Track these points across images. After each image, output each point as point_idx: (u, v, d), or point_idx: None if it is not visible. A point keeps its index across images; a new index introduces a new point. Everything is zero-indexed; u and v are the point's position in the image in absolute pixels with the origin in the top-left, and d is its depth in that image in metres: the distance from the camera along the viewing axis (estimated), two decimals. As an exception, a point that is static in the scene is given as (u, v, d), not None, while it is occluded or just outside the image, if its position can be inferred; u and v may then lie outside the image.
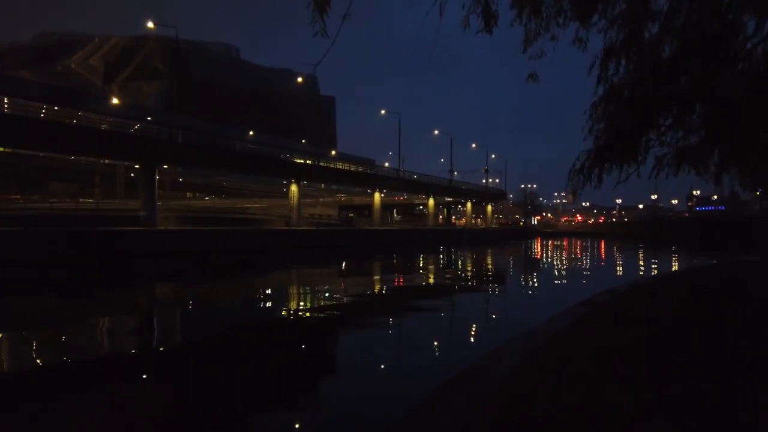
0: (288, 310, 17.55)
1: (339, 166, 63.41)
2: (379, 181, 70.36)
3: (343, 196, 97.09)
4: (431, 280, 26.62)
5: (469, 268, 34.14)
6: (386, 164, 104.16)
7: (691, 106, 9.15)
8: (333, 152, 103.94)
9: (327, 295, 21.55)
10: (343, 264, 37.91)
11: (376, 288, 23.67)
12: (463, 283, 25.35)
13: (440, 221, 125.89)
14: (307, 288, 24.42)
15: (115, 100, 71.06)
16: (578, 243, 77.22)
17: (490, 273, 31.12)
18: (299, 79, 78.59)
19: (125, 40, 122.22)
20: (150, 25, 42.18)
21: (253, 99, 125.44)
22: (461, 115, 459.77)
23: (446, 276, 28.69)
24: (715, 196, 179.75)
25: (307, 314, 16.39)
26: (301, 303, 19.45)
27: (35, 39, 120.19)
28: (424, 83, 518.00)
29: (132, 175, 64.67)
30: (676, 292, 12.05)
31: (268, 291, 22.90)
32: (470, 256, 47.19)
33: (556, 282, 25.16)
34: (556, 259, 41.99)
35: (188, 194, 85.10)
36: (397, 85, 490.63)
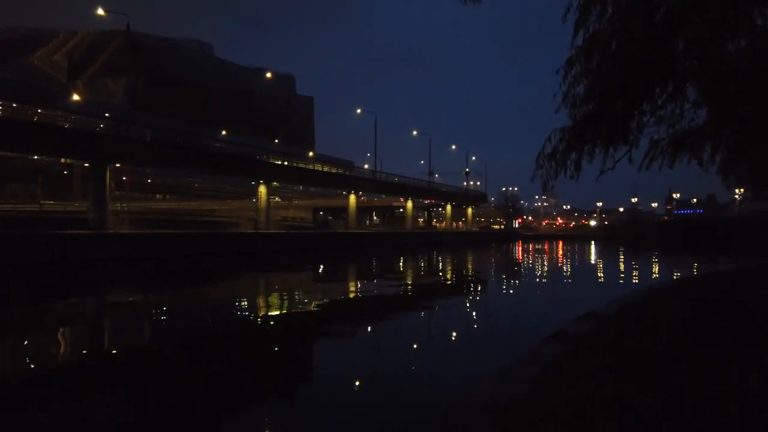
0: (237, 322, 15.38)
1: (311, 166, 60.66)
2: (354, 182, 67.76)
3: (319, 199, 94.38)
4: (392, 290, 24.15)
5: (438, 276, 31.74)
6: (366, 166, 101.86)
7: (697, 68, 6.82)
8: (311, 153, 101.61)
9: (279, 305, 18.98)
10: (309, 269, 35.31)
11: (334, 297, 21.14)
12: (416, 296, 22.96)
13: (421, 224, 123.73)
14: (261, 297, 21.80)
15: (76, 97, 67.96)
16: (559, 247, 75.29)
17: (456, 283, 28.78)
18: (268, 75, 74.90)
19: (92, 35, 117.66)
20: (100, 12, 39.12)
21: (226, 98, 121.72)
22: (446, 118, 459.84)
23: (409, 284, 26.27)
24: (695, 200, 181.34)
25: (255, 327, 14.51)
26: (251, 314, 16.95)
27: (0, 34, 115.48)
28: (409, 86, 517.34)
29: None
30: (672, 312, 9.75)
31: (219, 301, 20.25)
32: (444, 261, 44.88)
33: (528, 300, 20.37)
34: (535, 267, 39.70)
35: (158, 196, 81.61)
36: (382, 89, 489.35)
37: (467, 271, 34.74)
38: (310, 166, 60.15)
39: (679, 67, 7.19)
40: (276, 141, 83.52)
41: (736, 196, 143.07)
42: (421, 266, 39.72)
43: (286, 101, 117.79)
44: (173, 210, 59.56)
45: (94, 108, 79.16)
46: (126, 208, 47.91)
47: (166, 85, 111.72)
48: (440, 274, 33.00)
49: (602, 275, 32.39)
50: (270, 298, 21.65)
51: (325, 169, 63.92)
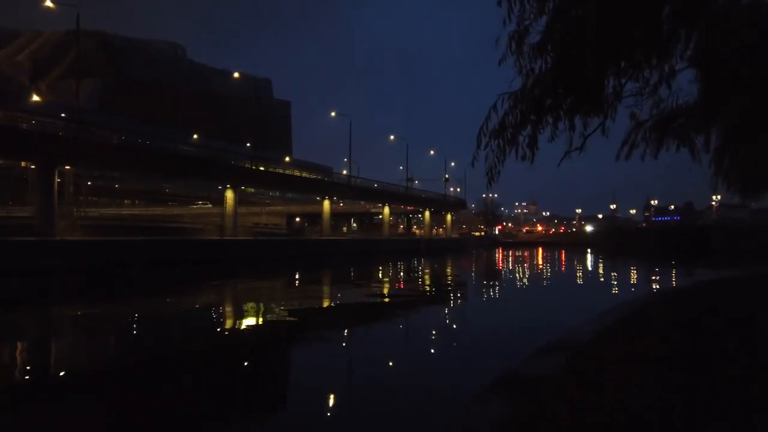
0: (170, 342, 13.72)
1: (280, 170, 58.30)
2: (327, 187, 65.59)
3: (294, 205, 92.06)
4: (354, 299, 22.06)
5: (411, 284, 29.76)
6: (344, 172, 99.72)
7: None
8: (287, 158, 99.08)
9: (222, 321, 16.84)
10: (270, 278, 33.09)
11: (287, 309, 18.97)
12: (382, 305, 20.97)
13: (401, 231, 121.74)
14: (205, 312, 19.55)
15: (36, 98, 64.85)
16: (538, 254, 73.81)
17: (428, 292, 26.82)
18: (236, 75, 72.17)
19: (57, 35, 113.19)
20: (49, 4, 36.50)
21: (199, 101, 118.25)
22: (429, 125, 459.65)
23: (377, 293, 24.22)
24: (672, 206, 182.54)
25: (188, 350, 12.80)
26: (180, 334, 14.75)
27: None
28: (392, 93, 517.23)
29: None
30: (659, 336, 7.90)
31: (150, 317, 17.98)
32: (419, 270, 43.00)
33: (494, 319, 17.34)
34: (512, 276, 37.89)
35: (126, 201, 78.53)
36: (365, 95, 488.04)
37: (440, 282, 32.70)
38: (280, 170, 57.73)
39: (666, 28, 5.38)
40: (248, 144, 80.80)
41: (713, 203, 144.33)
42: (392, 275, 37.74)
43: (258, 104, 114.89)
44: (136, 215, 56.74)
45: (56, 110, 76.03)
46: (82, 213, 45.14)
47: (135, 87, 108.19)
48: (411, 284, 30.98)
49: (581, 284, 30.78)
50: (214, 312, 19.47)
51: (296, 173, 61.66)
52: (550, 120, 4.96)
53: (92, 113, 79.69)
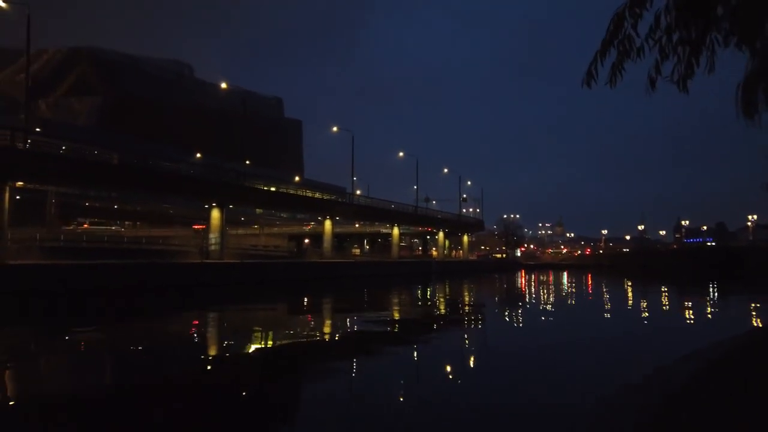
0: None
1: (273, 188, 53.94)
2: (327, 206, 61.07)
3: (296, 226, 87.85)
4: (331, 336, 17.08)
5: (411, 317, 24.57)
6: (358, 192, 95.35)
7: None
8: (297, 178, 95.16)
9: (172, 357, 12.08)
10: (246, 308, 28.41)
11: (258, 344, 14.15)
12: (358, 347, 15.90)
13: (417, 253, 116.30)
14: (147, 351, 14.72)
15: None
16: (564, 278, 67.23)
17: (429, 328, 21.65)
18: (223, 85, 68.30)
19: (60, 54, 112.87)
20: (1, 3, 33.20)
21: (204, 119, 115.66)
22: (447, 146, 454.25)
23: (358, 328, 19.21)
24: (704, 227, 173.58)
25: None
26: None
27: None
28: (408, 113, 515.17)
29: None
30: None
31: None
32: (426, 296, 37.96)
33: (511, 382, 11.28)
34: (536, 307, 31.63)
35: (95, 220, 75.20)
36: (382, 116, 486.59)
37: (446, 313, 27.27)
38: (272, 188, 53.36)
39: None
40: (247, 162, 77.10)
41: (749, 223, 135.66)
42: (393, 302, 32.70)
43: (275, 124, 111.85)
44: (115, 236, 52.80)
45: (56, 128, 73.78)
46: (51, 235, 41.32)
47: (134, 104, 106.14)
48: (413, 315, 25.88)
49: (623, 322, 24.23)
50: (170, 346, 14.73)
51: (290, 191, 57.27)
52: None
53: (89, 130, 77.68)
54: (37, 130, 44.87)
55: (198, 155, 79.41)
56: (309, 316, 26.69)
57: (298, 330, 20.56)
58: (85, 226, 71.66)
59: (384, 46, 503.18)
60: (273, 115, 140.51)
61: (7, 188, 32.85)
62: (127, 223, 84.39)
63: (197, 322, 22.95)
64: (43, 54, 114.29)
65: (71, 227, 57.89)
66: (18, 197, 67.96)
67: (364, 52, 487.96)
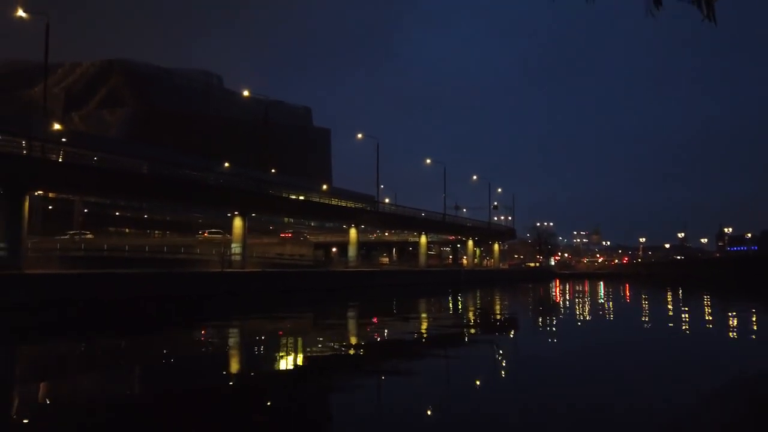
0: None
1: (297, 197, 53.20)
2: (352, 215, 60.07)
3: (322, 234, 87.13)
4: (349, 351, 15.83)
5: (431, 331, 23.13)
6: (387, 200, 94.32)
7: None
8: (325, 186, 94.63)
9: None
10: (256, 321, 27.46)
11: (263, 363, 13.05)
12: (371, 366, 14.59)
13: (447, 262, 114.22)
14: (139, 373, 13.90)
15: (57, 126, 63.33)
16: (601, 289, 64.12)
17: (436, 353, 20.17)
18: (250, 95, 67.88)
19: (93, 67, 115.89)
20: (21, 13, 33.33)
21: (233, 129, 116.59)
22: (478, 155, 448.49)
23: (367, 345, 17.87)
24: (749, 235, 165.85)
25: None
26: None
27: (5, 66, 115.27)
28: (439, 122, 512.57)
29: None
30: None
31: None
32: (449, 307, 36.38)
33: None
34: (572, 320, 29.65)
35: (126, 230, 75.90)
36: (414, 124, 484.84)
37: (467, 330, 25.51)
38: (291, 196, 52.55)
39: None
40: (273, 171, 76.84)
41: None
42: (415, 313, 31.30)
43: (304, 133, 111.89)
44: (135, 245, 52.85)
45: (86, 140, 75.12)
46: (73, 244, 41.41)
47: (164, 115, 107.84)
48: (432, 328, 24.45)
49: (670, 342, 21.52)
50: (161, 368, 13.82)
51: (313, 199, 56.44)
52: None
53: (122, 143, 78.94)
54: (63, 140, 45.19)
55: (226, 165, 79.72)
56: (319, 328, 25.49)
57: (306, 345, 19.37)
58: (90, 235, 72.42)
59: (415, 54, 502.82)
60: (301, 124, 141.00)
61: (27, 198, 32.82)
62: (156, 232, 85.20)
63: (199, 335, 22.05)
64: (77, 68, 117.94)
65: (89, 236, 57.88)
66: (51, 207, 69.86)
67: (395, 61, 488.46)
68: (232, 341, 20.71)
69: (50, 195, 57.22)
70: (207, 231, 67.29)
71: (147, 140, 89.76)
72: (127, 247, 50.34)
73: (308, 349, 17.98)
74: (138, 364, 15.30)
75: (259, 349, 18.53)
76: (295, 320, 28.39)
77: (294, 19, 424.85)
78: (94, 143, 60.26)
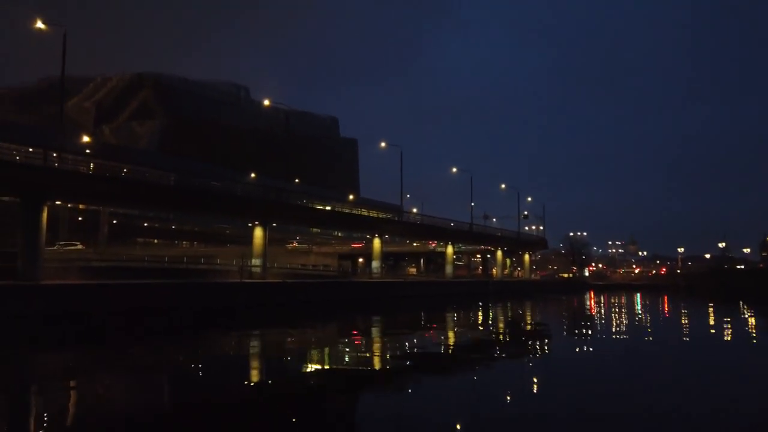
0: None
1: (319, 207, 52.37)
2: (376, 224, 58.98)
3: (347, 244, 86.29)
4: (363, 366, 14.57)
5: (453, 347, 21.69)
6: (414, 210, 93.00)
7: None
8: (351, 196, 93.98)
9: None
10: (267, 333, 26.50)
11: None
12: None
13: (477, 272, 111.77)
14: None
15: (86, 138, 64.37)
16: (638, 301, 60.96)
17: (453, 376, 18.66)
18: (272, 104, 66.39)
19: (124, 80, 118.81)
20: (40, 25, 33.51)
21: (260, 139, 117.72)
22: (508, 162, 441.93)
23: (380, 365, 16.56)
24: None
25: None
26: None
27: (40, 82, 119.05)
28: (469, 132, 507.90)
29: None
30: None
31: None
32: (473, 319, 34.76)
33: None
34: (612, 339, 26.62)
35: (155, 241, 76.48)
36: (443, 135, 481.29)
37: (489, 349, 23.32)
38: (309, 204, 51.76)
39: None
40: (296, 181, 76.53)
41: None
42: (435, 327, 29.86)
43: (331, 144, 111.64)
44: (155, 256, 52.79)
45: (111, 151, 76.34)
46: (95, 255, 41.46)
47: (193, 127, 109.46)
48: (452, 346, 23.02)
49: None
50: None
51: (336, 209, 55.50)
52: None
53: (151, 155, 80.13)
54: (87, 151, 45.56)
55: (252, 175, 79.94)
56: (329, 344, 24.27)
57: (312, 361, 18.18)
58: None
59: (444, 62, 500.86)
60: (328, 134, 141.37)
61: (44, 208, 32.76)
62: (184, 243, 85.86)
63: (204, 349, 21.13)
64: (107, 82, 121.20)
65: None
66: (80, 218, 70.93)
67: (423, 70, 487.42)
68: (235, 353, 19.73)
69: (79, 206, 57.98)
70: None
71: (175, 151, 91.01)
72: (146, 257, 50.31)
73: (304, 368, 16.78)
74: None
75: (263, 364, 17.44)
76: (307, 333, 27.27)
77: (322, 29, 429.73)
78: (120, 155, 60.93)
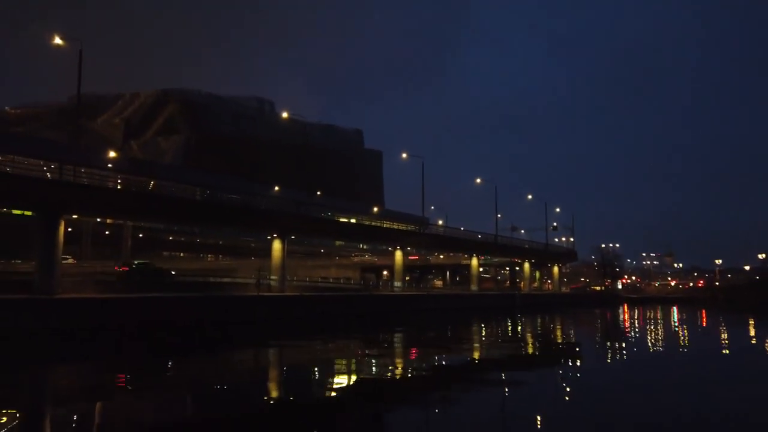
0: None
1: (341, 219, 51.83)
2: (397, 237, 57.91)
3: (369, 257, 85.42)
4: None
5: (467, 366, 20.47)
6: (440, 222, 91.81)
7: None
8: (376, 209, 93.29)
9: None
10: (280, 348, 25.71)
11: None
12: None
13: (504, 286, 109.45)
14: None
15: (112, 153, 65.45)
16: (675, 315, 58.02)
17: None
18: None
19: (151, 97, 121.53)
20: (58, 41, 33.92)
21: (285, 153, 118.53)
22: (537, 172, 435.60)
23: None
24: None
25: None
26: None
27: (70, 99, 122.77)
28: (498, 145, 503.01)
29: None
30: None
31: None
32: (496, 334, 33.31)
33: None
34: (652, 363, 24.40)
35: (181, 254, 76.97)
36: (474, 149, 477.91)
37: (509, 375, 22.56)
38: (332, 217, 51.20)
39: None
40: (318, 193, 76.26)
41: None
42: (457, 344, 28.61)
43: (355, 157, 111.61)
44: (175, 269, 52.80)
45: (143, 167, 77.73)
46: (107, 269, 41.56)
47: (217, 141, 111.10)
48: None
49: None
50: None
51: (353, 221, 54.81)
52: None
53: (177, 170, 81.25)
54: (110, 165, 46.04)
55: (276, 188, 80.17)
56: (339, 360, 23.27)
57: (316, 381, 17.24)
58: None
59: (469, 73, 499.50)
60: (353, 147, 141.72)
61: (61, 222, 32.84)
62: (209, 256, 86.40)
63: (207, 368, 20.41)
64: (135, 98, 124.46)
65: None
66: (107, 232, 72.00)
67: (448, 81, 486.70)
68: (243, 370, 18.94)
69: (100, 220, 58.75)
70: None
71: (199, 165, 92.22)
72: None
73: (317, 383, 15.83)
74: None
75: (270, 383, 16.56)
76: (319, 349, 26.34)
77: (347, 41, 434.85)
78: (145, 169, 61.60)
